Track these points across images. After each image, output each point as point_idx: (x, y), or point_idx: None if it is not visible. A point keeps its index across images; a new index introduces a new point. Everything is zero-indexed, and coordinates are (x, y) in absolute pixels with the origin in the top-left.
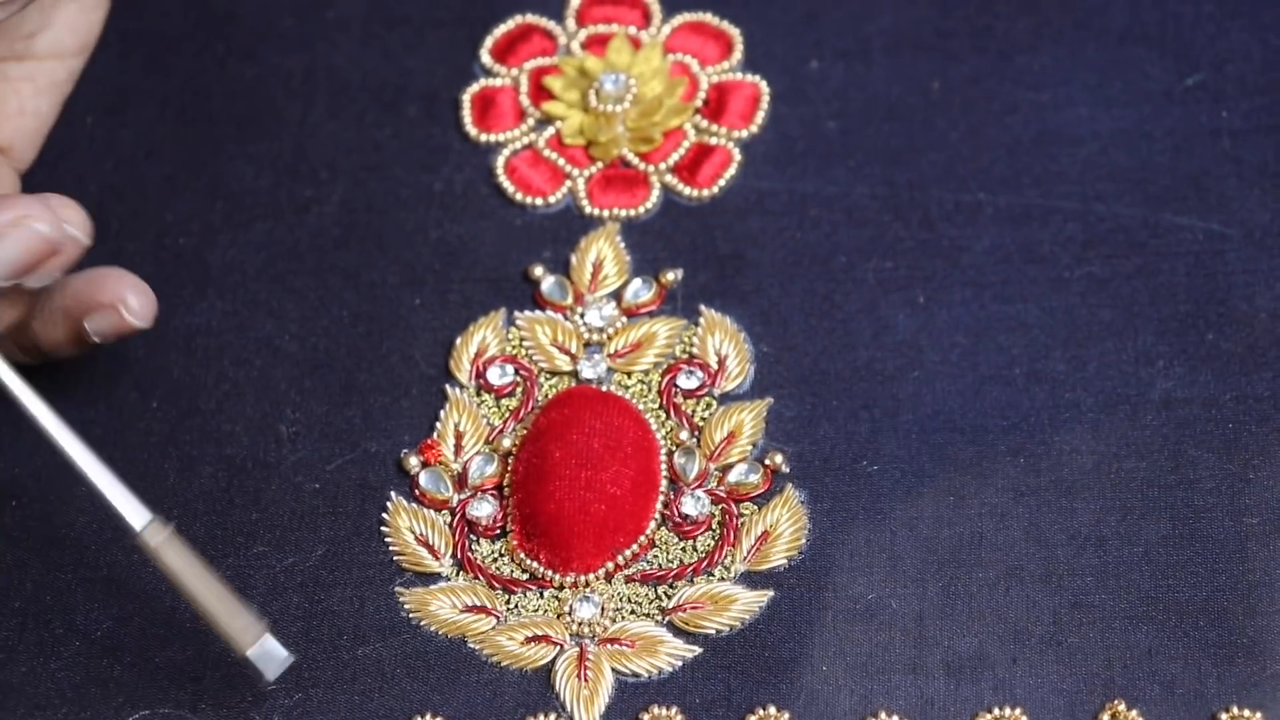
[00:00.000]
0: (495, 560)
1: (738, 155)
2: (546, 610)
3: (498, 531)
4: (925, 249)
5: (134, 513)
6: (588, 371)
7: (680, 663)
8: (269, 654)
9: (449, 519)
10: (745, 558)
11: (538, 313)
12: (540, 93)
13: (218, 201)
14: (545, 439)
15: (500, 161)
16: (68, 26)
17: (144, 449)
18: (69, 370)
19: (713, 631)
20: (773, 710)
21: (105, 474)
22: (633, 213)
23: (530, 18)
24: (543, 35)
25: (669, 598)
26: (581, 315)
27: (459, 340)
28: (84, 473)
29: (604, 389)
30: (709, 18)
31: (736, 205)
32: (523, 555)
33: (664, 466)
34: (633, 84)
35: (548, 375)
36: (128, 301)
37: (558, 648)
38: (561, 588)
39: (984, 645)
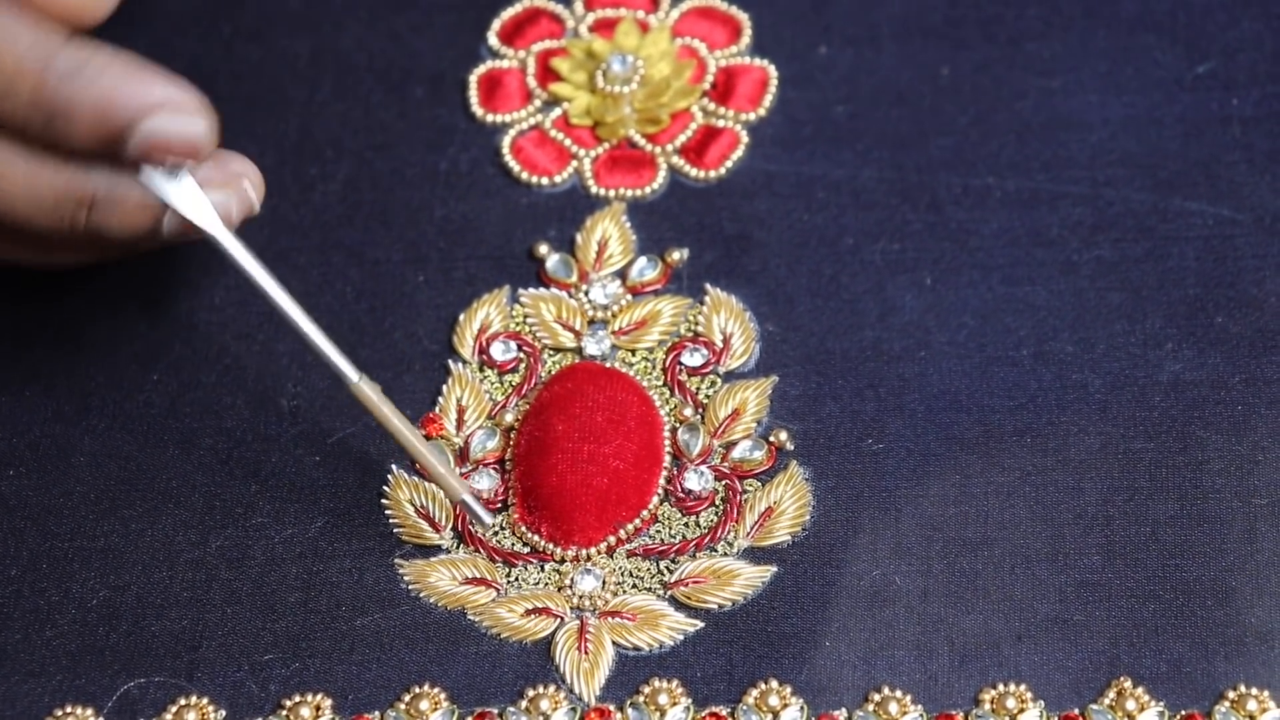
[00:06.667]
0: (496, 533)
1: (745, 138)
2: (547, 583)
3: (499, 505)
4: (933, 232)
5: (348, 369)
6: (592, 348)
7: (681, 636)
8: (479, 504)
9: None
10: (748, 533)
11: (542, 290)
12: (547, 74)
13: None
14: (548, 413)
15: (506, 141)
16: None
17: (144, 420)
18: (71, 342)
19: (714, 606)
20: (774, 684)
21: (322, 336)
22: (639, 193)
23: (538, 1)
24: (550, 19)
25: (671, 572)
26: (586, 293)
27: (462, 316)
28: (305, 333)
29: (608, 366)
30: (718, 2)
31: (743, 187)
32: (524, 528)
33: (667, 442)
34: (640, 65)
35: (551, 352)
36: (250, 176)
37: (558, 620)
38: (563, 561)
39: (989, 623)
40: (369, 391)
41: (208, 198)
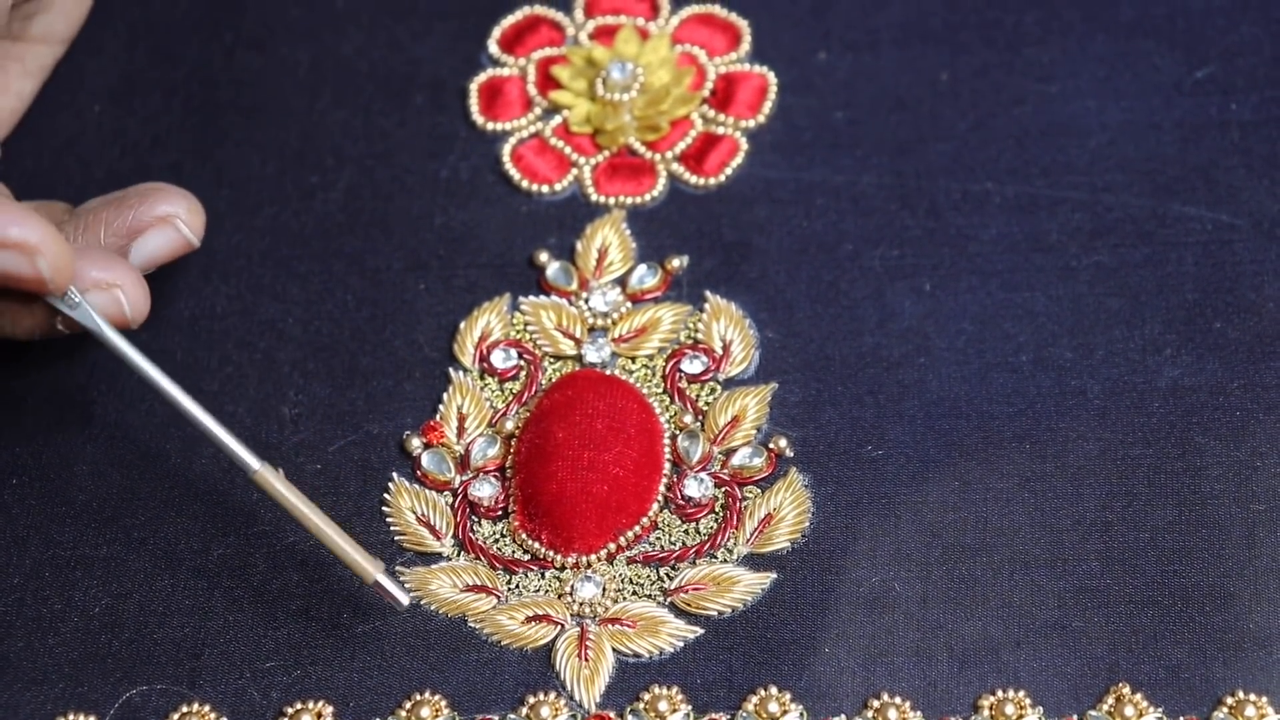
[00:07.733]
0: (497, 541)
1: (745, 144)
2: (547, 590)
3: (499, 513)
4: (932, 237)
5: (247, 457)
6: (592, 355)
7: (681, 643)
8: (393, 582)
9: (450, 500)
10: (748, 540)
11: (542, 297)
12: (547, 82)
13: (223, 189)
14: (548, 420)
15: (507, 149)
16: (63, 13)
17: (146, 429)
18: (73, 353)
19: (714, 613)
20: (774, 691)
21: (219, 426)
22: (639, 200)
23: (538, 9)
24: (550, 26)
25: (671, 579)
26: (586, 300)
27: (463, 324)
28: (202, 424)
29: (608, 373)
30: (717, 9)
31: (743, 194)
32: (524, 536)
33: (667, 449)
34: (640, 73)
35: (551, 359)
36: (182, 215)
37: (558, 627)
38: (563, 568)
39: (988, 629)
40: (270, 478)
41: (88, 302)
